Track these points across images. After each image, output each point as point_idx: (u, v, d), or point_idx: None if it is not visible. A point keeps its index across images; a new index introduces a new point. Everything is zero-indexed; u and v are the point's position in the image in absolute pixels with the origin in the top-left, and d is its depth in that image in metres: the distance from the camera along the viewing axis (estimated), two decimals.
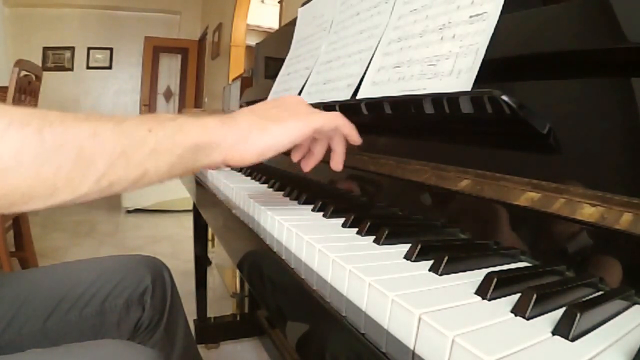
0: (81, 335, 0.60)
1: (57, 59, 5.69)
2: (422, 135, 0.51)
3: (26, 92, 1.62)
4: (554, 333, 0.22)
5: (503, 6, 0.41)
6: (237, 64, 4.35)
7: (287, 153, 0.44)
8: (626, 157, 0.31)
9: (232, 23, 4.33)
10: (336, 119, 0.41)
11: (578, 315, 0.21)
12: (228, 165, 0.38)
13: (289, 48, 0.94)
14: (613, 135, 0.32)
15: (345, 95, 0.63)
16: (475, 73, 0.41)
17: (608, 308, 0.24)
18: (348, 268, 0.29)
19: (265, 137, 0.37)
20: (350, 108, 0.61)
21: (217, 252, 2.18)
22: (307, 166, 0.46)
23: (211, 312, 1.45)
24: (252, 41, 2.87)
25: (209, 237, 1.79)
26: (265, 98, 0.95)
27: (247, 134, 0.37)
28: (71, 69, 5.77)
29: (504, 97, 0.35)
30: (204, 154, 0.35)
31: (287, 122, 0.38)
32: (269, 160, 0.92)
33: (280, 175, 0.73)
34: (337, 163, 0.45)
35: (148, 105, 6.17)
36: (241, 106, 1.43)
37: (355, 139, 0.44)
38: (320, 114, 0.41)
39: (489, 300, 0.25)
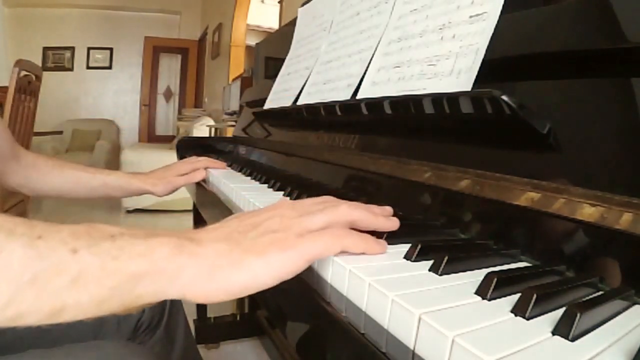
0: (81, 335, 0.60)
1: (57, 59, 5.69)
2: (422, 135, 0.51)
3: (26, 92, 1.62)
4: (554, 333, 0.22)
5: (503, 6, 0.41)
6: (237, 64, 4.36)
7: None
8: (626, 157, 0.31)
9: (232, 23, 4.33)
10: (340, 242, 0.31)
11: (578, 315, 0.21)
12: (194, 301, 0.29)
13: (289, 48, 0.94)
14: (613, 135, 0.32)
15: (345, 95, 0.63)
16: (475, 73, 0.41)
17: (608, 308, 0.24)
18: (348, 268, 0.29)
19: (240, 274, 0.28)
20: (350, 108, 0.61)
21: None
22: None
23: (211, 312, 1.45)
24: (252, 41, 2.88)
25: None
26: (265, 98, 0.95)
27: (214, 269, 0.28)
28: (71, 69, 5.78)
29: (504, 97, 0.35)
30: (149, 288, 0.26)
31: (270, 252, 0.28)
32: (269, 160, 0.92)
33: (281, 175, 0.73)
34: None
35: (148, 105, 6.17)
36: (241, 106, 1.44)
37: (376, 250, 0.32)
38: (320, 239, 0.30)
39: (489, 300, 0.25)
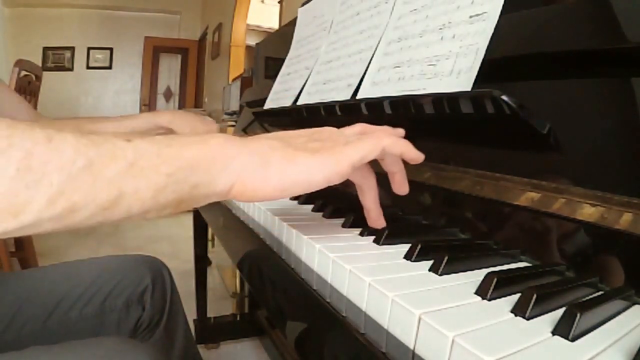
0: (81, 334, 0.60)
1: (57, 59, 5.69)
2: (422, 135, 0.51)
3: (26, 92, 1.62)
4: (554, 333, 0.22)
5: (503, 6, 0.41)
6: (237, 64, 4.35)
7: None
8: (626, 157, 0.31)
9: (232, 23, 4.33)
10: (380, 143, 0.32)
11: (578, 315, 0.21)
12: (237, 199, 0.29)
13: (289, 48, 0.94)
14: (613, 135, 0.32)
15: (345, 95, 0.63)
16: (475, 73, 0.41)
17: (608, 308, 0.24)
18: (348, 268, 0.29)
19: (292, 168, 0.28)
20: (350, 108, 0.61)
21: (217, 252, 2.18)
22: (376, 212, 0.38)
23: (211, 312, 1.45)
24: (252, 41, 2.88)
25: (209, 237, 1.79)
26: (266, 98, 0.95)
27: (267, 160, 0.28)
28: (71, 69, 5.77)
29: (504, 97, 0.35)
30: (204, 177, 0.26)
31: (322, 154, 0.30)
32: None
33: None
34: (399, 186, 0.37)
35: (148, 105, 6.17)
36: (241, 107, 1.43)
37: (413, 155, 0.35)
38: (361, 143, 0.32)
39: (489, 300, 0.25)
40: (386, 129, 0.37)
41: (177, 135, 0.27)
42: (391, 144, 0.33)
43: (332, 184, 0.30)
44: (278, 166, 0.28)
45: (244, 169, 0.27)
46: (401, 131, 0.38)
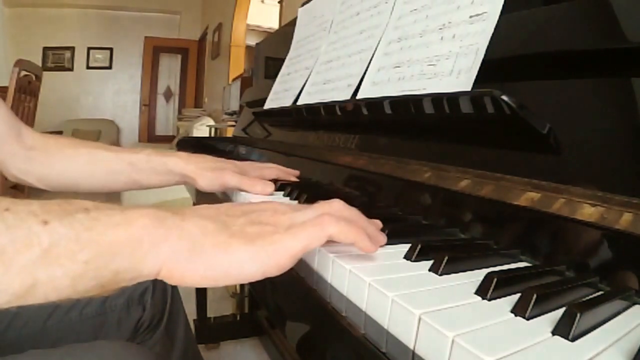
0: (81, 335, 0.60)
1: (57, 59, 5.69)
2: (422, 135, 0.51)
3: (26, 92, 1.62)
4: (554, 333, 0.22)
5: (503, 6, 0.41)
6: (237, 64, 4.35)
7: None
8: (626, 157, 0.31)
9: (232, 23, 4.33)
10: (325, 230, 0.28)
11: (578, 315, 0.21)
12: (167, 281, 0.26)
13: (289, 48, 0.94)
14: (613, 135, 0.32)
15: (345, 95, 0.63)
16: (475, 73, 0.41)
17: (608, 308, 0.24)
18: (348, 268, 0.29)
19: (223, 258, 0.25)
20: (350, 108, 0.61)
21: None
22: None
23: (211, 312, 1.45)
24: (252, 41, 2.88)
25: None
26: (265, 98, 0.95)
27: (196, 247, 0.25)
28: (71, 69, 5.78)
29: (504, 97, 0.35)
30: (127, 263, 0.24)
31: (258, 243, 0.26)
32: (270, 160, 0.92)
33: None
34: (368, 248, 0.30)
35: (148, 105, 6.17)
36: (241, 107, 1.44)
37: (365, 246, 0.30)
38: (304, 231, 0.28)
39: (489, 300, 0.25)
40: (342, 210, 0.32)
41: (103, 211, 0.25)
42: (339, 232, 0.28)
43: (271, 276, 0.27)
44: (208, 254, 0.25)
45: (171, 255, 0.25)
46: (377, 224, 0.34)
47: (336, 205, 0.32)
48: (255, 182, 0.56)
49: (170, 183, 0.59)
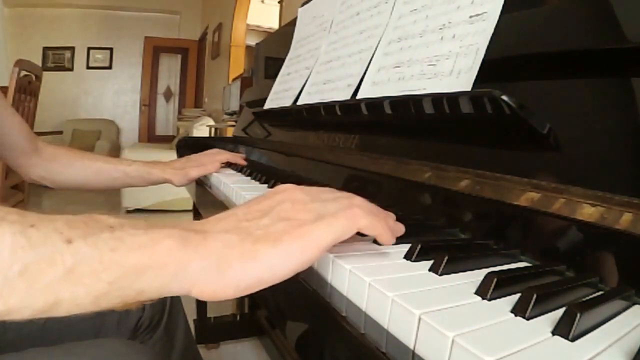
0: (81, 335, 0.60)
1: (57, 59, 5.69)
2: (422, 135, 0.51)
3: (26, 92, 1.62)
4: (554, 333, 0.22)
5: (503, 6, 0.41)
6: (237, 64, 4.36)
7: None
8: (626, 157, 0.31)
9: (232, 23, 4.34)
10: (356, 223, 0.28)
11: (578, 315, 0.21)
12: (199, 298, 0.26)
13: (289, 48, 0.94)
14: (613, 135, 0.32)
15: (345, 95, 0.63)
16: (475, 73, 0.41)
17: (608, 308, 0.24)
18: (348, 268, 0.29)
19: (253, 265, 0.25)
20: (350, 108, 0.61)
21: None
22: None
23: (211, 312, 1.45)
24: (252, 41, 2.88)
25: None
26: (265, 98, 0.95)
27: (224, 263, 0.25)
28: (71, 69, 5.78)
29: (504, 97, 0.35)
30: (151, 282, 0.24)
31: (284, 241, 0.26)
32: (269, 160, 0.92)
33: (281, 175, 0.73)
34: (383, 239, 0.31)
35: (148, 105, 6.17)
36: (241, 107, 1.44)
37: (386, 240, 0.30)
38: (333, 221, 0.28)
39: (489, 300, 0.25)
40: (367, 204, 0.31)
41: (127, 230, 0.25)
42: (369, 225, 0.29)
43: (302, 269, 0.27)
44: (237, 267, 0.25)
45: (198, 278, 0.25)
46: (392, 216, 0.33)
47: (359, 198, 0.32)
48: (206, 167, 0.82)
49: (155, 184, 0.81)
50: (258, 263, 0.26)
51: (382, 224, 0.30)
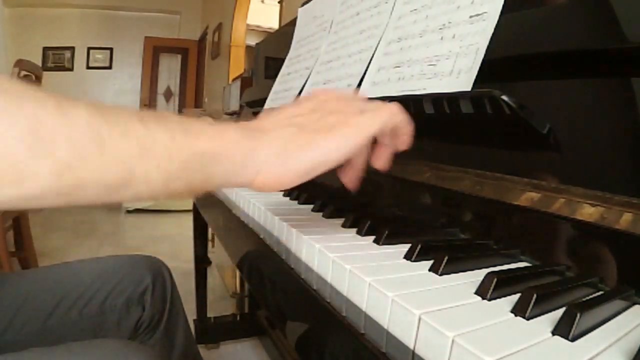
0: (81, 335, 0.60)
1: (57, 59, 5.69)
2: (422, 135, 0.51)
3: None
4: (554, 333, 0.22)
5: (503, 6, 0.41)
6: (237, 64, 4.35)
7: None
8: (626, 157, 0.31)
9: (232, 23, 4.33)
10: (396, 116, 0.32)
11: (578, 315, 0.21)
12: (259, 190, 0.29)
13: (289, 48, 0.94)
14: (613, 135, 0.32)
15: None
16: (475, 73, 0.41)
17: (608, 308, 0.24)
18: (348, 268, 0.29)
19: (310, 152, 0.28)
20: None
21: (217, 252, 2.18)
22: (351, 181, 0.36)
23: (211, 312, 1.45)
24: (252, 41, 2.87)
25: (209, 237, 1.79)
26: (265, 98, 0.95)
27: (286, 151, 0.28)
28: (71, 69, 5.78)
29: (504, 97, 0.35)
30: (219, 169, 0.26)
31: (337, 130, 0.29)
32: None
33: None
34: (382, 159, 0.35)
35: (148, 105, 6.17)
36: (241, 106, 1.43)
37: (407, 141, 0.34)
38: (377, 114, 0.31)
39: (489, 300, 0.25)
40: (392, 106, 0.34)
41: (193, 122, 0.26)
42: (403, 119, 0.32)
43: (354, 156, 0.31)
44: (297, 154, 0.28)
45: (264, 161, 0.28)
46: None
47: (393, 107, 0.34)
48: None
49: None
50: (315, 151, 0.29)
51: (411, 124, 0.33)
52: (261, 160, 0.27)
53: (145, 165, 0.23)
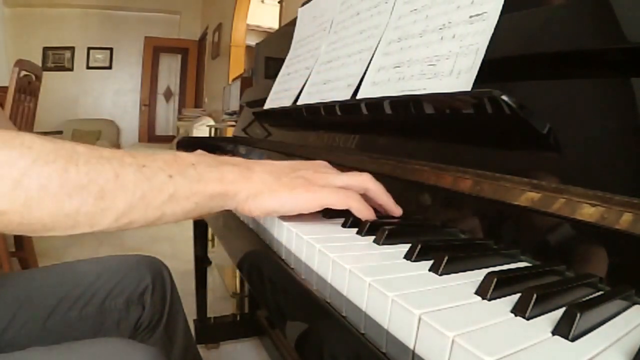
0: (81, 334, 0.60)
1: (57, 59, 5.70)
2: (422, 135, 0.51)
3: (26, 92, 1.62)
4: (554, 333, 0.22)
5: (503, 6, 0.41)
6: (237, 64, 4.36)
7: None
8: (626, 157, 0.31)
9: (232, 23, 4.34)
10: (347, 201, 0.39)
11: (578, 315, 0.21)
12: (240, 213, 0.40)
13: (289, 48, 0.94)
14: (613, 135, 0.32)
15: (345, 95, 0.63)
16: (475, 73, 0.41)
17: (608, 308, 0.24)
18: (348, 268, 0.29)
19: (273, 200, 0.38)
20: (350, 108, 0.61)
21: (217, 252, 2.18)
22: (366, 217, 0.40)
23: (211, 312, 1.45)
24: (252, 41, 2.88)
25: (209, 237, 1.79)
26: (265, 98, 0.95)
27: (259, 193, 0.38)
28: (71, 69, 5.78)
29: (504, 97, 0.35)
30: (218, 202, 0.37)
31: (297, 191, 0.38)
32: (270, 159, 0.92)
33: None
34: (390, 211, 0.43)
35: (148, 105, 6.17)
36: (241, 107, 1.43)
37: (392, 208, 0.42)
38: (333, 191, 0.38)
39: (489, 300, 0.25)
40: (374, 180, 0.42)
41: (205, 167, 0.37)
42: (357, 208, 0.39)
43: (302, 212, 0.39)
44: (264, 198, 0.38)
45: (243, 200, 0.38)
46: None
47: (365, 176, 0.42)
48: None
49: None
50: (276, 199, 0.38)
51: (368, 211, 0.40)
52: (243, 197, 0.38)
53: (173, 208, 0.35)
